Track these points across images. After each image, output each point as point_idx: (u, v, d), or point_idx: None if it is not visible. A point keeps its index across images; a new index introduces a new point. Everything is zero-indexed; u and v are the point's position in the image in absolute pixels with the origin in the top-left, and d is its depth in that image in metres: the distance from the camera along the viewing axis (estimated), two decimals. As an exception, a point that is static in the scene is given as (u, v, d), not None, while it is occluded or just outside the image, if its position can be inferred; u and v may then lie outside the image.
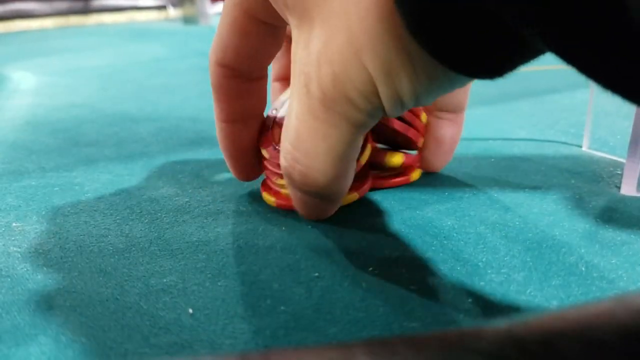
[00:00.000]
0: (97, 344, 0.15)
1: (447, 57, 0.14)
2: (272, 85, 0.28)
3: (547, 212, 0.23)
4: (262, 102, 0.24)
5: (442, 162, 0.28)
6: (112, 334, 0.16)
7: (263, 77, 0.23)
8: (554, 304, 0.17)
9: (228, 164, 0.25)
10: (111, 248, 0.21)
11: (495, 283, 0.18)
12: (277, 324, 0.16)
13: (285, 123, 0.19)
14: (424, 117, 0.26)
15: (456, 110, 0.26)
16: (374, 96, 0.16)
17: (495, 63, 0.14)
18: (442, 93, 0.16)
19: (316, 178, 0.19)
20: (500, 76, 0.14)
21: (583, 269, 0.19)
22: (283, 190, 0.24)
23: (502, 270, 0.19)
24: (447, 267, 0.19)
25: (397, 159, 0.25)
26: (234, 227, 0.23)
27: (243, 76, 0.22)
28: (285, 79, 0.27)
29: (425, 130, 0.27)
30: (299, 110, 0.18)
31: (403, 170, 0.27)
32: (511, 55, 0.14)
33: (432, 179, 0.28)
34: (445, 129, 0.26)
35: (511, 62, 0.14)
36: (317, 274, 0.19)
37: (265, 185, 0.26)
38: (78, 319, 0.17)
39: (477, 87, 0.51)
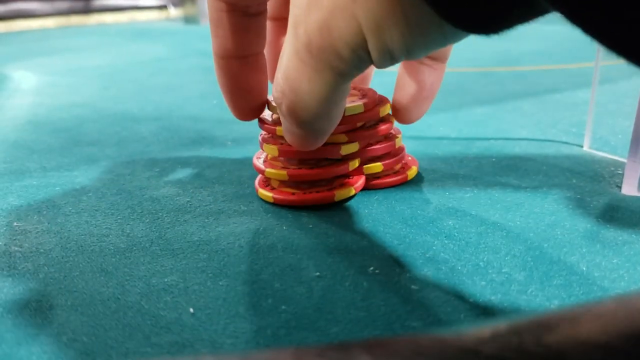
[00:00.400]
0: (98, 343, 0.15)
1: (445, 10, 0.14)
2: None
3: (549, 212, 0.23)
4: (261, 39, 0.23)
5: (417, 111, 0.26)
6: (114, 333, 0.16)
7: (261, 13, 0.22)
8: (555, 303, 0.17)
9: (226, 102, 0.24)
10: (112, 247, 0.21)
11: (496, 283, 0.18)
12: (279, 324, 0.16)
13: (280, 54, 0.19)
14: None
15: (439, 57, 0.25)
16: (360, 48, 0.16)
17: (494, 18, 0.14)
18: (435, 48, 0.16)
19: (300, 114, 0.19)
20: (496, 33, 0.14)
21: (584, 268, 0.19)
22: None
23: (503, 270, 0.19)
24: (448, 267, 0.19)
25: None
26: (235, 226, 0.23)
27: (241, 11, 0.22)
28: (279, 19, 0.26)
29: (404, 74, 0.26)
30: (288, 49, 0.18)
31: (399, 169, 0.27)
32: (512, 11, 0.13)
33: (432, 179, 0.28)
34: (426, 74, 0.25)
35: (511, 19, 0.14)
36: (318, 274, 0.19)
37: (261, 181, 0.26)
38: (79, 318, 0.17)
39: (477, 87, 0.51)
